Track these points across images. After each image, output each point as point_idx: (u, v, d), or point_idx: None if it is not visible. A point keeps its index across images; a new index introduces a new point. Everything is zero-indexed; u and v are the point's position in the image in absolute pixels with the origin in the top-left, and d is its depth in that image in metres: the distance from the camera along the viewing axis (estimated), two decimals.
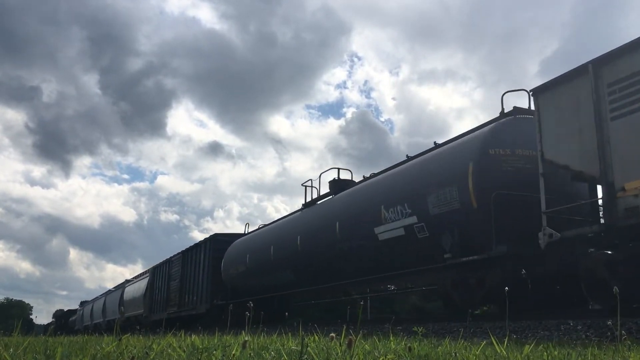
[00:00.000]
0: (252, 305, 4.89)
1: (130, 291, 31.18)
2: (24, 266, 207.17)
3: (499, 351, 3.56)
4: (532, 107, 8.78)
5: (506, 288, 5.72)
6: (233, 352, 3.18)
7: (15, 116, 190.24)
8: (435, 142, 11.05)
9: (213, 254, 19.76)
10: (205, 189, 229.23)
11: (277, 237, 16.03)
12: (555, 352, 3.69)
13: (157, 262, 27.04)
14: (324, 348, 3.39)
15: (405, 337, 5.64)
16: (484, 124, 9.85)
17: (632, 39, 6.89)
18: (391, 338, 5.02)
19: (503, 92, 9.58)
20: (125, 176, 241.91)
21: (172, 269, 23.82)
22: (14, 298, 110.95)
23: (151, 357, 3.29)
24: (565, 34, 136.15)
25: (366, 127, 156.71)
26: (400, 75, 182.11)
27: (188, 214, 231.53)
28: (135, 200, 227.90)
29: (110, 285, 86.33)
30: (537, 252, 7.72)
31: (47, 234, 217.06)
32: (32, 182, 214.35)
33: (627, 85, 6.84)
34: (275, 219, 18.57)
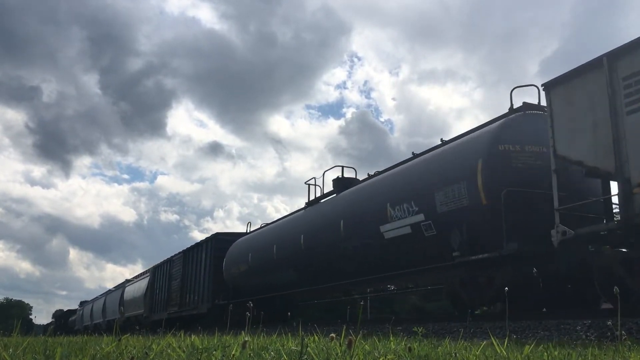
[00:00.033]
0: (251, 305, 4.90)
1: (131, 291, 31.04)
2: (24, 266, 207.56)
3: (499, 351, 3.54)
4: (542, 103, 8.63)
5: (506, 288, 5.66)
6: (233, 353, 3.17)
7: (15, 116, 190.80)
8: (441, 139, 10.85)
9: (215, 253, 19.64)
10: (205, 189, 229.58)
11: (280, 236, 15.85)
12: (556, 353, 3.68)
13: (157, 262, 26.92)
14: (324, 348, 3.40)
15: (405, 337, 5.64)
16: (492, 120, 9.69)
17: (632, 39, 6.78)
18: (391, 338, 5.01)
19: (512, 88, 9.48)
20: (125, 176, 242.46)
21: (173, 268, 23.67)
22: (14, 298, 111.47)
23: (150, 358, 3.30)
24: (565, 34, 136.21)
25: (366, 128, 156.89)
26: (400, 75, 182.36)
27: (188, 214, 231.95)
28: (135, 200, 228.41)
29: (110, 285, 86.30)
30: (550, 250, 7.54)
31: (47, 234, 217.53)
32: (32, 182, 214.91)
33: None
34: (276, 218, 18.40)
